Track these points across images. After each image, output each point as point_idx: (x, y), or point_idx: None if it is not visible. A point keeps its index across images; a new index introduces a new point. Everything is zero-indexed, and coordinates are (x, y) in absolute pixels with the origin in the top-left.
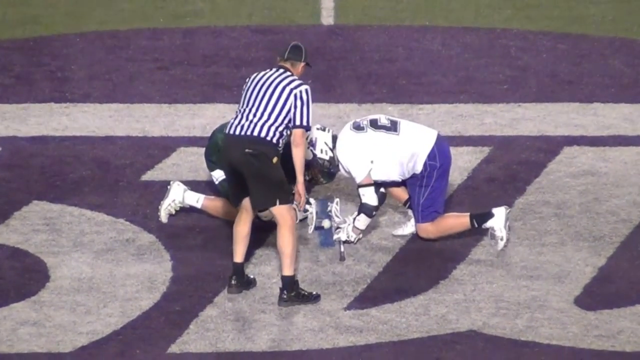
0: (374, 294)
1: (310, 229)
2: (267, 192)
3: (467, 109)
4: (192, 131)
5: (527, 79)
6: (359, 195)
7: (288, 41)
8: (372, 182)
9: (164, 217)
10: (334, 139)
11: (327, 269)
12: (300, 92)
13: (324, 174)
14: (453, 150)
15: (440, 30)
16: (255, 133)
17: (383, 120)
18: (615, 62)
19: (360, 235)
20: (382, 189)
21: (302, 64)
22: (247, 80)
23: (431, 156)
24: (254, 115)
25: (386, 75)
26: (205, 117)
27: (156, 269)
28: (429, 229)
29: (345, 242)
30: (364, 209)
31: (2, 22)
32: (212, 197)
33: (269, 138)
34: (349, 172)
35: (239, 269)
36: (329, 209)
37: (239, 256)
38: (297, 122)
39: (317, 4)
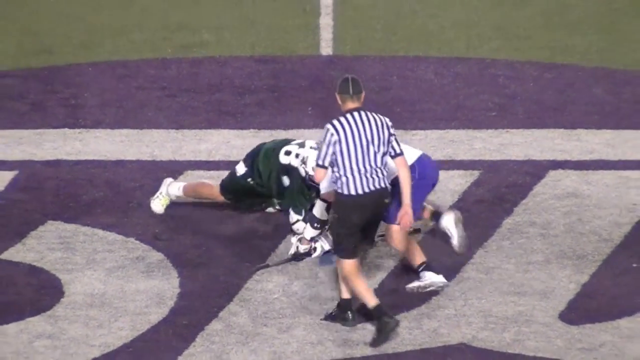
0: (370, 309)
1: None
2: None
3: (457, 134)
4: (199, 155)
5: (514, 107)
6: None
7: (289, 70)
8: (330, 201)
9: (157, 209)
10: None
11: (326, 285)
12: (389, 127)
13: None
14: (444, 174)
15: (432, 60)
16: (383, 185)
17: None
18: (598, 90)
19: (312, 245)
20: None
21: (364, 92)
22: (332, 133)
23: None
24: (372, 169)
25: (382, 103)
26: (211, 142)
27: (164, 285)
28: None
29: (295, 255)
30: (310, 219)
31: (18, 52)
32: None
33: (388, 183)
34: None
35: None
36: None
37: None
38: (398, 151)
39: (316, 35)
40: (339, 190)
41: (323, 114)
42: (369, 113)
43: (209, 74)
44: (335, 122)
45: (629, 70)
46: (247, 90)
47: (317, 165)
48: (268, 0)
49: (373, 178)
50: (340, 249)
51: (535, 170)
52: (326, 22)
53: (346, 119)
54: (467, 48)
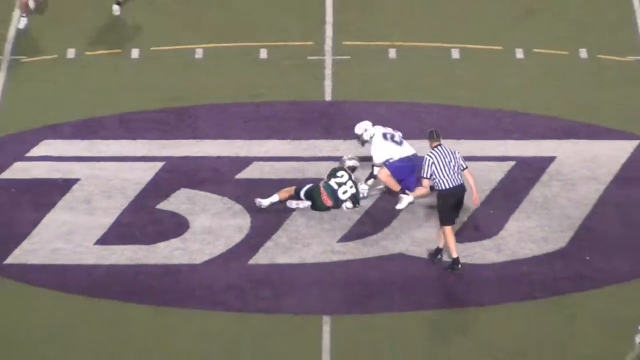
0: (352, 234)
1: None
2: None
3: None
4: (260, 153)
5: (428, 128)
6: (373, 169)
7: (308, 108)
8: (383, 166)
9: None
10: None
11: (327, 220)
12: (456, 152)
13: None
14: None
15: (385, 104)
16: (461, 182)
17: (397, 137)
18: (473, 121)
19: (381, 187)
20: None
21: (441, 136)
22: (428, 159)
23: (404, 159)
24: (455, 174)
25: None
26: (267, 147)
27: (243, 222)
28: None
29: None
30: (374, 176)
31: (164, 99)
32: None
33: (463, 181)
34: (372, 155)
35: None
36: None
37: (455, 252)
38: (464, 166)
39: (322, 90)
40: (440, 187)
41: (327, 132)
42: (444, 146)
43: (266, 111)
44: (430, 153)
45: (490, 109)
46: (286, 119)
47: (423, 177)
48: (296, 73)
49: (455, 178)
50: (446, 220)
51: None
52: (327, 83)
53: (435, 151)
54: (402, 96)
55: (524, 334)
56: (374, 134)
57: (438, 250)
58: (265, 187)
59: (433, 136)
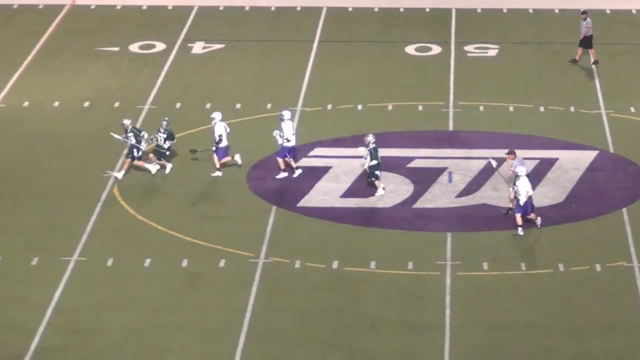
0: (461, 194)
1: None
2: None
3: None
4: (416, 154)
5: (498, 143)
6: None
7: (442, 135)
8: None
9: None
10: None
11: (450, 187)
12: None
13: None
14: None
15: (475, 131)
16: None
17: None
18: (517, 139)
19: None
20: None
21: None
22: (518, 161)
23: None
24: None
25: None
26: (420, 153)
27: (410, 188)
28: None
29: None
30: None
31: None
32: None
33: None
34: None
35: None
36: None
37: None
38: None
39: (448, 124)
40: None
41: (449, 144)
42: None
43: (419, 135)
44: (516, 161)
45: (525, 135)
46: (428, 138)
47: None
48: (435, 117)
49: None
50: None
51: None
52: (450, 123)
53: (516, 159)
54: (485, 128)
55: (538, 241)
56: (288, 118)
57: (509, 209)
58: (420, 172)
59: (513, 152)
